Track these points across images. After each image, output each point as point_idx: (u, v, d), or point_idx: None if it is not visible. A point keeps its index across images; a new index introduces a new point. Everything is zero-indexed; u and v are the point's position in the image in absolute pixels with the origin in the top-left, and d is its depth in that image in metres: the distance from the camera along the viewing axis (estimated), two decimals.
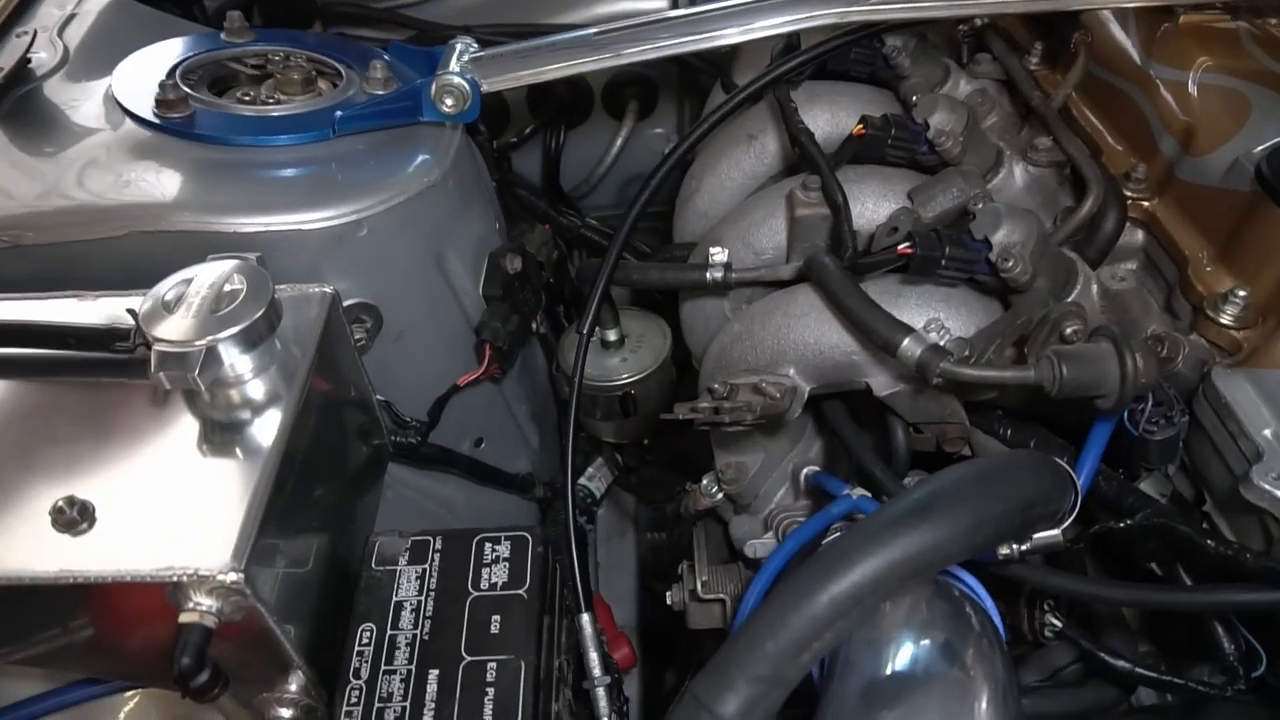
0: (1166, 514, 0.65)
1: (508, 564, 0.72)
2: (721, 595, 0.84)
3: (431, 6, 1.30)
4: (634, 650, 1.14)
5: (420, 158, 0.86)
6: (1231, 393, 0.65)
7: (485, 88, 0.87)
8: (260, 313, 0.65)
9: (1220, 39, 0.84)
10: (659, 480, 1.25)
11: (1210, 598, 0.62)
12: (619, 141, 1.36)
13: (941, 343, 0.68)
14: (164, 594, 0.58)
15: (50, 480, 0.61)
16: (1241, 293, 0.70)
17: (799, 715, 0.60)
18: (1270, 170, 0.70)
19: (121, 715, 0.77)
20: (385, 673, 0.67)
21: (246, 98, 0.94)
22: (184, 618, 0.56)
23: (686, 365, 1.05)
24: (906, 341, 0.67)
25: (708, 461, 0.91)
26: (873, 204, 0.85)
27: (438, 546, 0.74)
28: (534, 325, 1.02)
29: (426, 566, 0.72)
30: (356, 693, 0.66)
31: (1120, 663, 0.68)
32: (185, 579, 0.56)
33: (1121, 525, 0.65)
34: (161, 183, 0.80)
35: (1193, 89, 0.82)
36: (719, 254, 0.85)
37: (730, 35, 0.90)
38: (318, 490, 0.71)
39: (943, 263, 0.70)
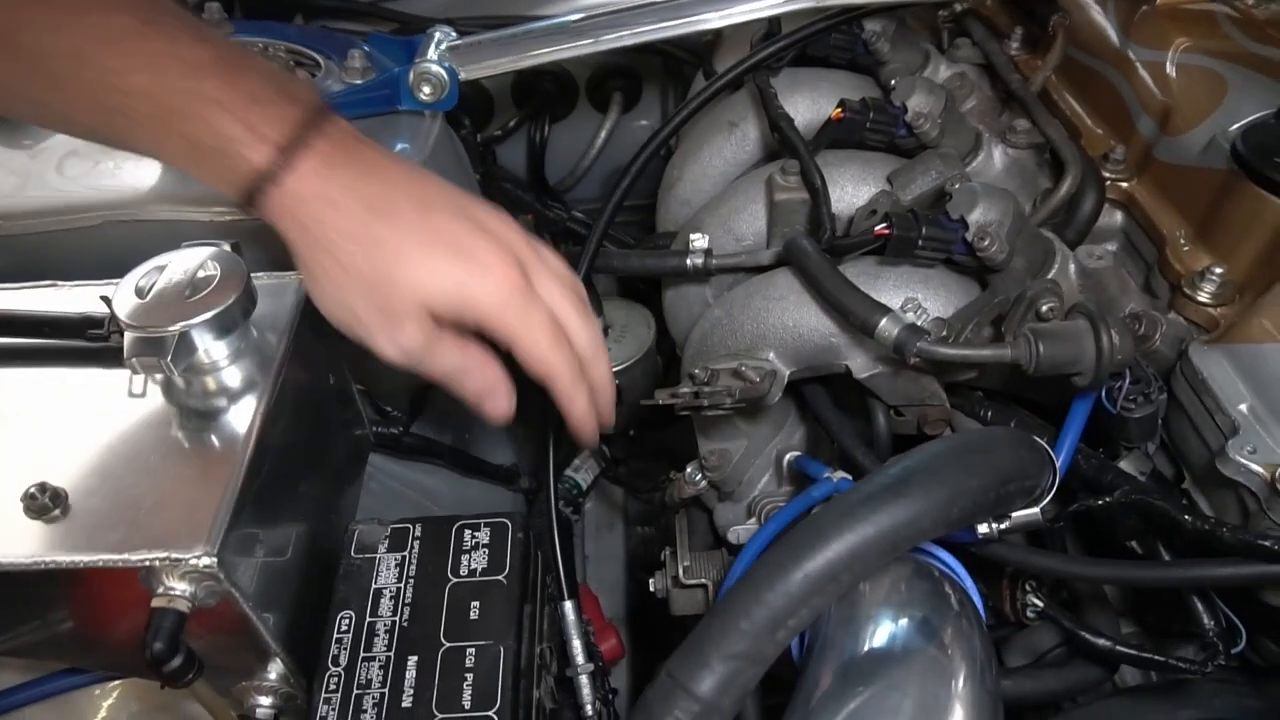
0: (1144, 490, 0.65)
1: (487, 550, 0.72)
2: (704, 580, 0.84)
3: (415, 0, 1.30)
4: (622, 642, 1.14)
5: (398, 146, 0.86)
6: (1208, 368, 0.65)
7: (463, 76, 0.87)
8: (234, 298, 0.65)
9: (1198, 20, 0.84)
10: (646, 472, 1.25)
11: (1188, 573, 0.62)
12: (603, 134, 1.35)
13: (919, 322, 0.68)
14: (139, 581, 0.58)
15: (23, 468, 0.61)
16: (1218, 270, 0.70)
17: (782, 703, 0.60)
18: (1245, 147, 0.70)
19: (103, 706, 0.77)
20: (364, 659, 0.66)
21: None
22: (156, 602, 0.56)
23: (673, 355, 1.05)
24: (884, 321, 0.66)
25: (693, 452, 0.91)
26: (852, 188, 0.84)
27: (417, 534, 0.73)
28: None
29: (406, 553, 0.72)
30: (335, 679, 0.66)
31: (1101, 641, 0.68)
32: (157, 564, 0.56)
33: (1100, 503, 0.65)
34: (138, 173, 0.80)
35: (1171, 70, 0.82)
36: (699, 240, 0.85)
37: (710, 20, 0.90)
38: (295, 479, 0.71)
39: (919, 243, 0.70)
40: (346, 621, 0.69)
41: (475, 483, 1.04)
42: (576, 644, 0.76)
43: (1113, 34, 0.88)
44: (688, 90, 1.19)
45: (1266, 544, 0.57)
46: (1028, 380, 0.74)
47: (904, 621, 0.59)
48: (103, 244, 0.77)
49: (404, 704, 0.64)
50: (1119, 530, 0.69)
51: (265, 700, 0.68)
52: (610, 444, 1.23)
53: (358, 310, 0.60)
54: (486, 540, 0.73)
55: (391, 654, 0.66)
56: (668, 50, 1.25)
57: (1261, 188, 0.69)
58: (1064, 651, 0.77)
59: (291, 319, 0.71)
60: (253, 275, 0.69)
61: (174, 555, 0.56)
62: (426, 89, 0.86)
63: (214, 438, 0.64)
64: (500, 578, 0.70)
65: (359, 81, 0.90)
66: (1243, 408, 0.62)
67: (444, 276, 0.60)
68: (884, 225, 0.71)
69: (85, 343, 0.68)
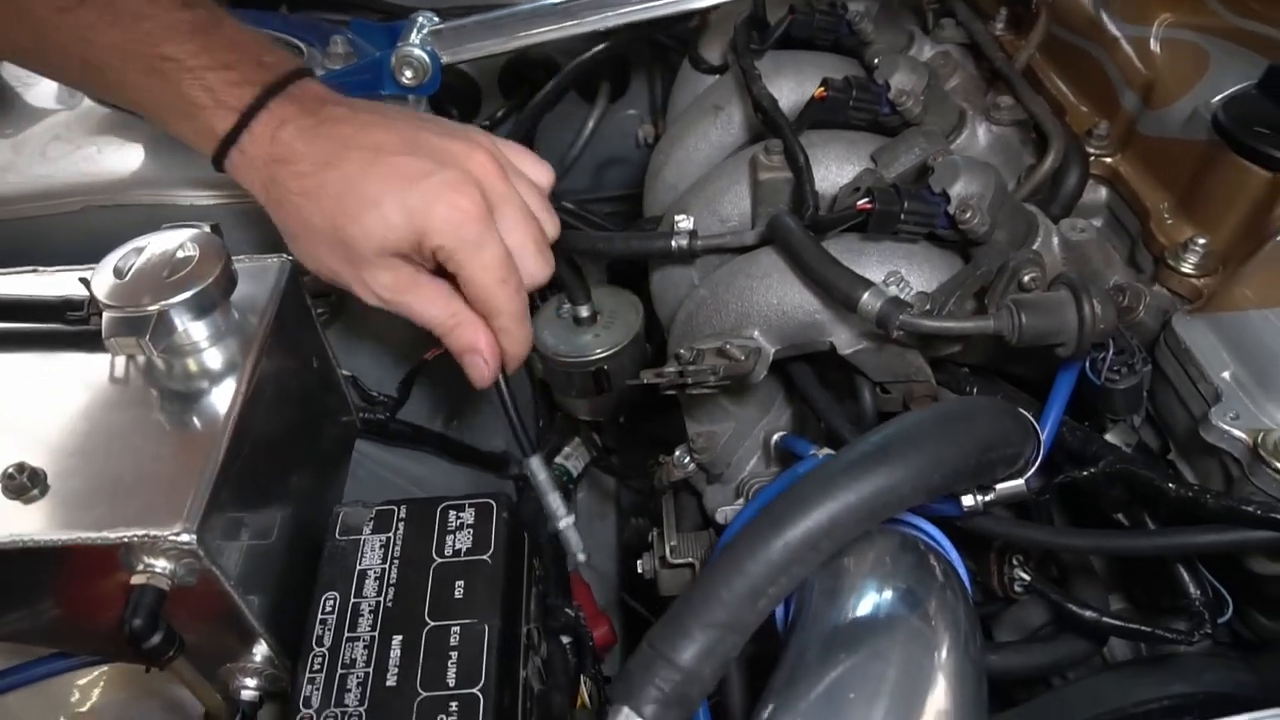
0: (1129, 460, 0.65)
1: (472, 530, 0.72)
2: (691, 560, 0.84)
3: None
4: (614, 630, 1.14)
5: None
6: (1191, 337, 0.65)
7: (446, 59, 0.87)
8: (213, 278, 0.65)
9: None
10: (638, 462, 1.24)
11: (1172, 541, 0.62)
12: (591, 123, 1.35)
13: (902, 297, 0.68)
14: (119, 560, 0.58)
15: (1, 449, 0.61)
16: (1201, 241, 0.70)
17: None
18: (1227, 117, 0.70)
19: (90, 690, 0.77)
20: (348, 640, 0.66)
21: None
22: (135, 579, 0.56)
23: (663, 343, 1.05)
24: (866, 295, 0.66)
25: (684, 439, 0.90)
26: (836, 168, 0.84)
27: (402, 515, 0.73)
28: None
29: (391, 535, 0.72)
30: (319, 660, 0.65)
31: (1087, 613, 0.68)
32: (136, 541, 0.56)
33: (1085, 474, 0.65)
34: (120, 158, 0.80)
35: (1154, 45, 0.82)
36: (684, 221, 0.85)
37: (694, 1, 0.90)
38: (278, 461, 0.71)
39: (902, 217, 0.70)
40: (331, 602, 0.68)
41: (464, 470, 1.04)
42: (551, 498, 0.77)
43: (1096, 10, 0.88)
44: (675, 78, 1.19)
45: (1249, 509, 0.57)
46: (1012, 353, 0.74)
47: (888, 592, 0.59)
48: (84, 229, 0.77)
49: (388, 683, 0.64)
50: (1104, 502, 0.69)
51: (250, 682, 0.68)
52: (601, 432, 1.23)
53: (329, 262, 0.62)
54: (471, 521, 0.72)
55: (376, 634, 0.66)
56: (655, 38, 1.25)
57: (1242, 157, 0.68)
58: (1053, 628, 0.77)
59: (272, 301, 0.71)
60: (234, 258, 0.69)
61: (153, 532, 0.55)
62: (408, 73, 0.86)
63: (195, 419, 0.64)
64: (485, 557, 0.70)
65: (340, 67, 0.90)
66: (1225, 375, 0.62)
67: (392, 213, 0.60)
68: (866, 200, 0.71)
69: (65, 326, 0.68)
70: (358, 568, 0.70)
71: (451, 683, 0.63)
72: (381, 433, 0.91)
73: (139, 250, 0.66)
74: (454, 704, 0.62)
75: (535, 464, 0.80)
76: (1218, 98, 0.73)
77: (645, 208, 1.05)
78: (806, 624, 0.58)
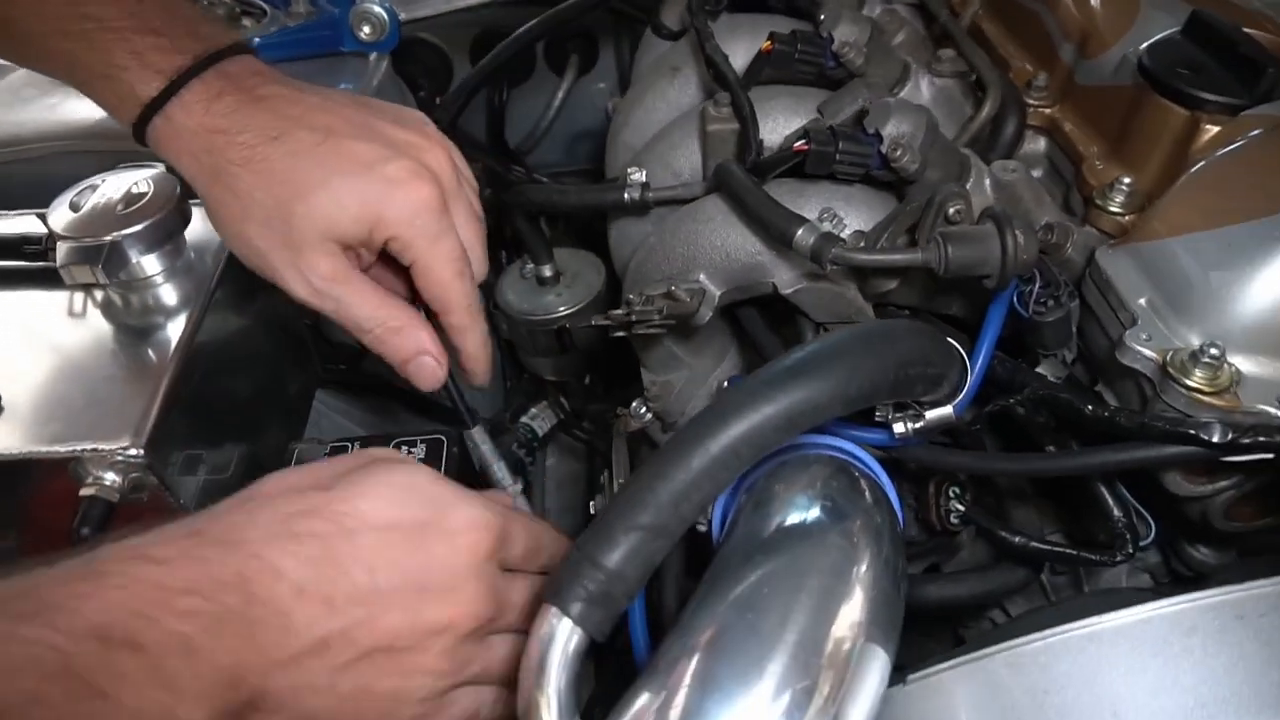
0: (1051, 386, 0.67)
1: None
2: None
3: None
4: None
5: (341, 86, 0.88)
6: (1112, 269, 0.67)
7: (404, 16, 0.89)
8: (166, 213, 0.67)
9: None
10: (606, 425, 1.26)
11: (1090, 460, 0.64)
12: (560, 95, 1.37)
13: (838, 234, 0.70)
14: (70, 475, 0.60)
15: None
16: (1127, 180, 0.72)
17: None
18: (1150, 60, 0.72)
19: None
20: None
21: None
22: (84, 491, 0.58)
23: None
24: (800, 231, 0.68)
25: None
26: (784, 120, 0.87)
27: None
28: None
29: None
30: None
31: (1017, 539, 0.70)
32: (86, 454, 0.58)
33: (1011, 401, 0.67)
34: (81, 106, 0.82)
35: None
36: (636, 174, 0.87)
37: None
38: (233, 397, 0.73)
39: (837, 157, 0.72)
40: None
41: (427, 423, 1.06)
42: (496, 467, 0.78)
43: None
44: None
45: (1159, 425, 0.59)
46: (946, 291, 0.76)
47: (815, 510, 0.61)
48: (46, 175, 0.79)
49: None
50: (1033, 430, 0.72)
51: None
52: (569, 395, 1.25)
53: (259, 244, 0.58)
54: (423, 455, 0.75)
55: None
56: (619, 8, 1.27)
57: (1165, 98, 0.71)
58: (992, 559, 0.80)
59: None
60: (192, 201, 0.71)
61: (102, 446, 0.58)
62: (366, 28, 0.88)
63: (147, 348, 0.66)
64: None
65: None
66: (1142, 301, 0.64)
67: (348, 197, 0.57)
68: (802, 141, 0.73)
69: (24, 263, 0.70)
70: None
71: None
72: (343, 383, 0.93)
73: (94, 187, 0.69)
74: None
75: (478, 435, 0.78)
76: (1147, 43, 0.76)
77: (606, 169, 1.07)
78: (734, 533, 0.60)
